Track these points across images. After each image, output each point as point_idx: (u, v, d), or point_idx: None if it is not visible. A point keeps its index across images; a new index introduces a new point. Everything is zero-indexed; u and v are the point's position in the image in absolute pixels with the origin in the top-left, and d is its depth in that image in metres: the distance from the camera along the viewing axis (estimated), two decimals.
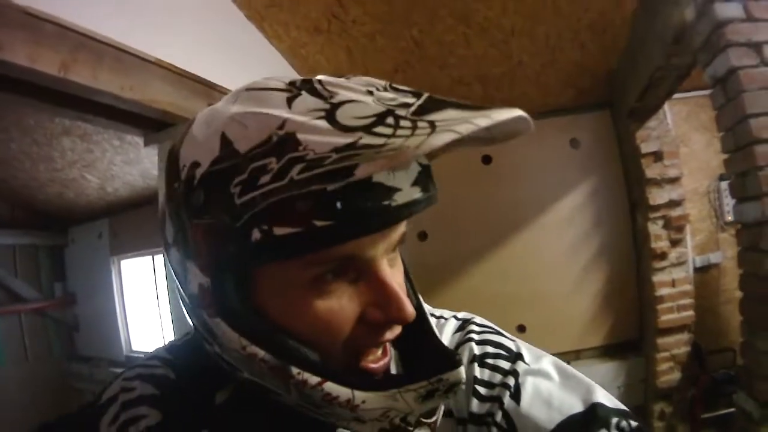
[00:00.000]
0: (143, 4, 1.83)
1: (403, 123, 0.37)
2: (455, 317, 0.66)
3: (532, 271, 3.45)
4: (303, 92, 0.42)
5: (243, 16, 2.53)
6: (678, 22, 2.04)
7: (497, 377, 0.56)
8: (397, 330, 0.48)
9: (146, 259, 4.98)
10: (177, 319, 1.93)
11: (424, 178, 0.44)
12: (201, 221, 0.42)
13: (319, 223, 0.37)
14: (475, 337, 0.61)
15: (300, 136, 0.38)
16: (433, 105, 0.39)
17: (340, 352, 0.45)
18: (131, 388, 0.54)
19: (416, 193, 0.42)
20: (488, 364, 0.58)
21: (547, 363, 0.57)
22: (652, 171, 3.09)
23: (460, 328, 0.63)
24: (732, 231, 3.32)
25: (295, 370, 0.42)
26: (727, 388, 2.81)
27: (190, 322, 0.50)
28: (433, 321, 0.58)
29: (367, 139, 0.36)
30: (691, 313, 3.14)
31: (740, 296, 1.93)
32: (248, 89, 0.45)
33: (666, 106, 3.13)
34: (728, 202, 3.40)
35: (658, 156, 3.10)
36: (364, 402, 0.43)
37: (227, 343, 0.43)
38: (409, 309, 0.44)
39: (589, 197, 3.49)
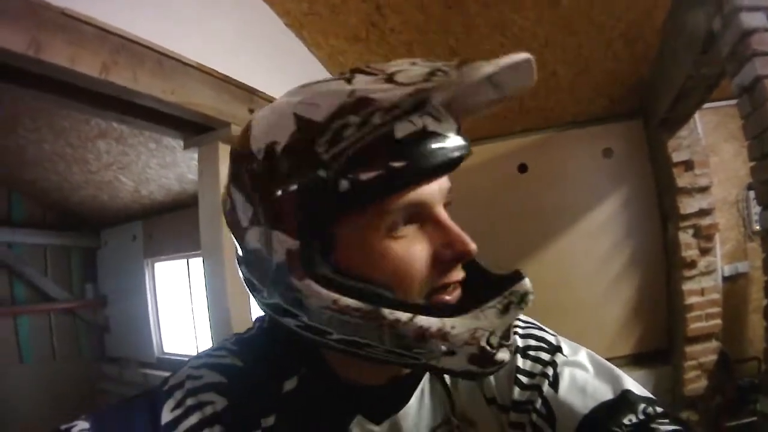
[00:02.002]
0: (182, 9, 1.86)
1: (450, 71, 0.44)
2: None
3: (564, 280, 3.45)
4: (356, 74, 0.48)
5: (283, 24, 2.57)
6: (706, 33, 2.05)
7: (538, 367, 0.61)
8: (460, 272, 0.53)
9: (181, 262, 4.99)
10: (215, 322, 1.95)
11: (461, 131, 0.51)
12: (287, 185, 0.47)
13: (396, 165, 0.45)
14: (519, 331, 0.66)
15: (372, 95, 0.44)
16: (465, 61, 0.45)
17: (419, 295, 0.50)
18: (198, 376, 0.56)
19: (461, 140, 0.50)
20: (530, 355, 0.63)
21: (584, 355, 0.62)
22: (683, 180, 3.09)
23: None
24: (760, 240, 3.31)
25: (386, 311, 0.46)
26: (752, 396, 2.82)
27: (265, 307, 0.55)
28: None
29: (427, 84, 0.44)
30: (718, 321, 3.13)
31: (766, 303, 1.93)
32: (304, 86, 0.51)
33: (696, 116, 3.12)
34: (756, 211, 3.39)
35: (688, 165, 3.10)
36: (453, 327, 0.47)
37: (317, 303, 0.47)
38: (473, 244, 0.50)
39: (621, 206, 3.50)
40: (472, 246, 0.50)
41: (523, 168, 3.63)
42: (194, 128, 2.01)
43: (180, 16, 1.85)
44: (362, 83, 0.46)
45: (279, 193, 0.47)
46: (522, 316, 0.70)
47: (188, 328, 4.90)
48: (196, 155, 2.11)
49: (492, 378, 0.61)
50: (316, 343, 0.52)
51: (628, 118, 3.51)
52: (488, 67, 0.43)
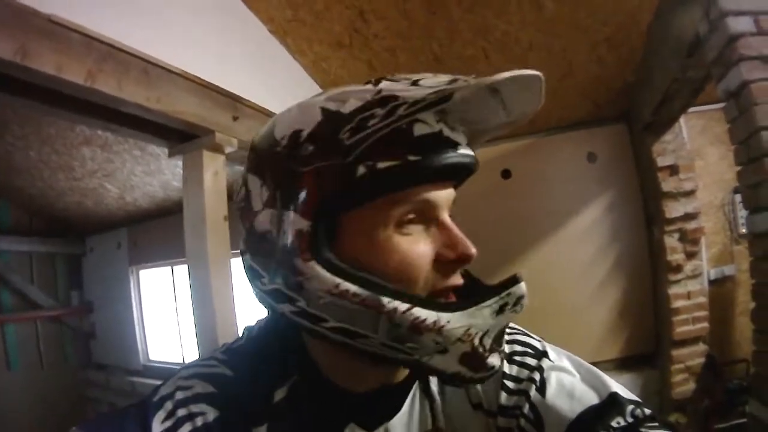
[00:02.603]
0: (167, 17, 1.87)
1: (470, 79, 0.47)
2: None
3: (549, 284, 3.44)
4: (382, 80, 0.51)
5: (267, 30, 2.56)
6: (692, 36, 2.06)
7: (524, 373, 0.62)
8: (459, 278, 0.54)
9: (165, 270, 4.98)
10: (201, 329, 1.94)
11: (471, 147, 0.55)
12: (310, 167, 0.49)
13: (412, 158, 0.48)
14: (505, 337, 0.64)
15: (398, 93, 0.47)
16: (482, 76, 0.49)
17: (421, 291, 0.51)
18: (188, 387, 0.56)
19: (471, 152, 0.53)
20: (516, 361, 0.64)
21: (569, 360, 0.64)
22: (668, 184, 3.10)
23: None
24: (746, 243, 3.33)
25: (386, 299, 0.47)
26: (741, 398, 2.82)
27: (264, 295, 0.55)
28: None
29: (450, 86, 0.46)
30: (705, 324, 3.14)
31: (754, 307, 1.93)
32: (330, 89, 0.54)
33: (681, 120, 3.13)
34: (742, 215, 3.40)
35: (673, 169, 3.11)
36: (449, 322, 0.48)
37: (318, 286, 0.48)
38: (474, 248, 0.52)
39: (606, 211, 3.51)
40: (473, 250, 0.51)
41: (506, 174, 3.64)
42: (179, 136, 2.02)
43: (165, 23, 1.85)
44: (388, 85, 0.49)
45: (299, 174, 0.49)
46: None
47: (174, 335, 4.88)
48: (180, 162, 2.10)
49: (478, 384, 0.61)
50: (310, 332, 0.52)
51: (613, 122, 3.52)
52: (505, 74, 0.45)
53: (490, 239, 3.43)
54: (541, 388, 0.59)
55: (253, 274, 0.56)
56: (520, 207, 3.59)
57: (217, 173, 2.03)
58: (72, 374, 5.35)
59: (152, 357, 5.11)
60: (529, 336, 0.68)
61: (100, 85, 1.49)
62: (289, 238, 0.49)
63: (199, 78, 1.91)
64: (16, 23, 1.26)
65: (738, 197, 3.39)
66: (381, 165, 0.47)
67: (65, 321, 5.35)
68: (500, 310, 0.50)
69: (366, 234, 0.50)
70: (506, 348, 0.64)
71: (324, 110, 0.50)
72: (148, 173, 3.78)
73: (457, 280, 0.54)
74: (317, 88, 2.89)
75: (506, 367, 0.62)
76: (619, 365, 3.40)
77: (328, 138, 0.48)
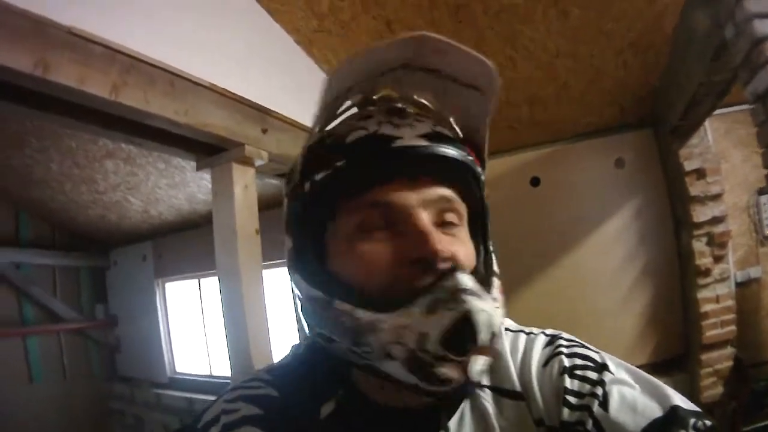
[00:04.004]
0: (192, 29, 1.86)
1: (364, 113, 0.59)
2: (544, 333, 0.70)
3: (579, 291, 3.46)
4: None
5: (292, 41, 2.56)
6: (717, 40, 2.04)
7: (586, 387, 0.60)
8: (429, 277, 0.49)
9: (192, 282, 4.99)
10: (233, 344, 1.95)
11: (438, 138, 0.54)
12: (288, 195, 0.58)
13: (338, 164, 0.51)
14: (564, 350, 0.64)
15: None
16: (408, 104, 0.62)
17: (384, 295, 0.49)
18: (234, 410, 0.56)
19: (419, 141, 0.52)
20: (577, 375, 0.61)
21: (628, 372, 0.62)
22: (695, 189, 3.09)
23: (549, 343, 0.67)
24: None
25: (337, 302, 0.50)
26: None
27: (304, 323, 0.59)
28: (523, 336, 0.68)
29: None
30: (733, 328, 3.13)
31: None
32: None
33: (706, 123, 3.13)
34: (767, 217, 3.40)
35: (700, 173, 3.10)
36: (381, 322, 0.48)
37: (304, 293, 0.54)
38: (435, 245, 0.48)
39: (634, 216, 3.50)
40: (434, 246, 0.48)
41: (535, 181, 3.64)
42: (206, 149, 2.00)
43: (189, 35, 1.84)
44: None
45: (285, 202, 0.58)
46: (564, 334, 0.69)
47: (200, 347, 4.89)
48: (205, 175, 2.10)
49: (539, 399, 0.60)
50: (337, 356, 0.54)
51: (639, 127, 3.50)
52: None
53: (521, 247, 3.47)
54: (604, 403, 0.57)
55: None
56: (550, 214, 3.59)
57: (247, 186, 2.02)
58: (96, 387, 5.36)
59: (179, 369, 5.12)
60: (587, 348, 0.66)
61: (125, 98, 1.47)
62: (285, 257, 0.57)
63: (227, 90, 1.90)
64: (34, 35, 1.25)
65: (763, 199, 3.38)
66: (317, 177, 0.52)
67: (90, 334, 5.37)
68: (432, 307, 0.47)
69: (336, 244, 0.53)
70: (567, 362, 0.63)
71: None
72: (173, 186, 3.79)
73: (426, 281, 0.50)
74: None
75: (567, 382, 0.61)
76: (649, 370, 3.23)
77: (296, 164, 0.56)
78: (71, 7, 1.36)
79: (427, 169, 0.54)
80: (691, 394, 3.17)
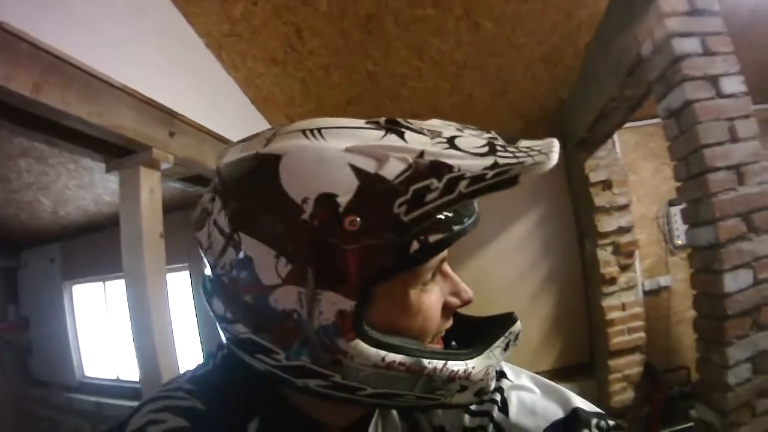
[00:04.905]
0: (107, 28, 1.81)
1: (510, 149, 0.46)
2: None
3: (481, 298, 3.42)
4: (403, 129, 0.48)
5: (203, 44, 2.52)
6: (633, 56, 2.11)
7: None
8: (451, 320, 0.57)
9: (98, 285, 4.91)
10: (140, 348, 1.93)
11: None
12: (356, 245, 0.43)
13: (456, 228, 0.47)
14: None
15: (447, 161, 0.44)
16: (508, 138, 0.48)
17: (427, 341, 0.53)
18: (161, 421, 0.53)
19: (477, 207, 0.53)
20: None
21: (527, 378, 0.66)
22: (600, 199, 3.18)
23: None
24: (682, 254, 3.44)
25: (426, 362, 0.48)
26: (683, 403, 2.91)
27: (273, 369, 0.50)
28: None
29: (502, 160, 0.44)
30: (642, 334, 3.24)
31: (693, 316, 1.99)
32: (328, 127, 0.49)
33: (615, 136, 3.22)
34: (678, 227, 3.51)
35: (606, 185, 3.20)
36: (474, 367, 0.50)
37: (362, 362, 0.46)
38: (471, 292, 0.55)
39: (538, 225, 3.60)
40: (472, 293, 0.55)
41: None
42: (116, 151, 1.96)
43: (105, 33, 1.79)
44: (422, 143, 0.46)
45: (344, 252, 0.44)
46: None
47: (108, 351, 4.81)
48: (112, 177, 2.06)
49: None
50: (336, 399, 0.49)
51: (544, 139, 3.55)
52: (554, 154, 0.44)
53: None
54: (504, 408, 0.61)
55: (254, 349, 0.50)
56: None
57: (153, 190, 1.99)
58: (11, 389, 5.18)
59: (87, 373, 5.01)
60: None
61: (45, 97, 1.42)
62: (329, 319, 0.45)
63: (139, 93, 1.86)
64: None
65: (674, 209, 3.50)
66: (432, 239, 0.45)
67: (3, 335, 5.20)
68: (506, 347, 0.53)
69: (398, 298, 0.48)
70: None
71: (359, 171, 0.44)
72: (82, 187, 3.67)
73: (450, 322, 0.56)
74: (250, 105, 2.87)
75: None
76: (555, 376, 3.45)
77: (379, 212, 0.44)
78: (3, 2, 1.32)
79: None
80: (600, 399, 3.27)
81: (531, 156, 0.44)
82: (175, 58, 2.29)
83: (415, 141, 0.46)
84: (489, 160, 0.44)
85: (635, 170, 3.60)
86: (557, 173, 3.58)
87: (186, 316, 3.61)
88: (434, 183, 0.43)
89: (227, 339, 0.53)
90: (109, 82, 1.70)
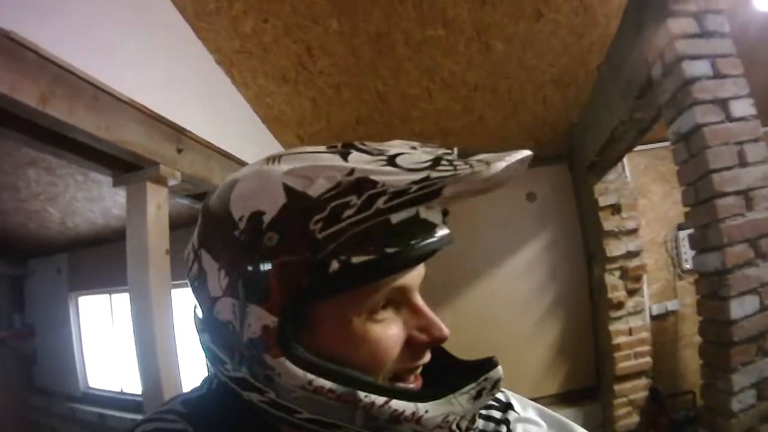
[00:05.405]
0: (118, 40, 1.81)
1: (456, 163, 0.43)
2: None
3: (489, 322, 3.49)
4: (352, 150, 0.47)
5: (213, 60, 2.53)
6: (644, 78, 2.09)
7: (491, 426, 0.61)
8: (428, 356, 0.52)
9: (104, 297, 4.93)
10: (143, 362, 1.93)
11: (446, 220, 0.51)
12: (274, 260, 0.44)
13: (389, 251, 0.44)
14: None
15: (374, 177, 0.43)
16: (465, 153, 0.46)
17: (385, 377, 0.49)
18: None
19: (446, 229, 0.49)
20: (482, 414, 0.62)
21: (534, 411, 0.64)
22: (609, 223, 3.16)
23: None
24: (690, 279, 3.40)
25: (362, 394, 0.45)
26: (688, 428, 2.89)
27: (227, 379, 0.51)
28: None
29: (436, 174, 0.43)
30: (648, 359, 3.20)
31: (699, 341, 1.95)
32: (288, 153, 0.50)
33: (625, 159, 3.20)
34: (686, 251, 3.49)
35: (615, 209, 3.17)
36: (427, 411, 0.46)
37: (290, 381, 0.45)
38: (447, 330, 0.50)
39: (546, 249, 3.58)
40: (446, 332, 0.50)
41: (444, 213, 3.62)
42: (123, 165, 1.96)
43: (114, 45, 1.79)
44: (360, 161, 0.45)
45: (264, 267, 0.45)
46: None
47: (112, 363, 4.82)
48: (120, 190, 2.07)
49: None
50: (279, 420, 0.49)
51: (553, 162, 3.58)
52: (498, 164, 0.42)
53: (428, 277, 3.44)
54: None
55: (213, 358, 0.52)
56: (459, 246, 3.53)
57: (160, 206, 2.00)
58: (15, 398, 5.21)
59: (91, 384, 5.04)
60: None
61: (51, 109, 1.42)
62: (256, 333, 0.46)
63: (147, 108, 1.86)
64: None
65: (682, 234, 3.48)
66: (355, 260, 0.43)
67: (9, 343, 5.23)
68: (478, 395, 0.49)
69: (339, 324, 0.47)
70: None
71: (288, 190, 0.45)
72: (90, 199, 3.71)
73: (426, 357, 0.52)
74: (259, 123, 2.87)
75: None
76: (560, 400, 3.44)
77: (296, 228, 0.44)
78: (11, 11, 1.32)
79: None
80: (604, 424, 3.23)
81: (471, 167, 0.42)
82: (184, 74, 2.29)
83: (354, 160, 0.45)
84: (420, 175, 0.43)
85: (645, 194, 3.57)
86: (566, 197, 3.59)
87: (190, 332, 3.59)
88: (353, 200, 0.43)
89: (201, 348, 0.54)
90: (116, 96, 1.70)
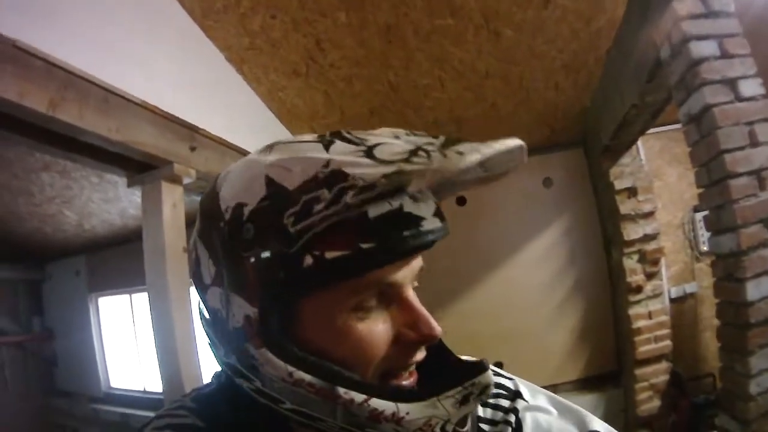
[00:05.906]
0: (126, 42, 1.81)
1: (433, 154, 0.42)
2: None
3: (508, 309, 3.49)
4: (336, 140, 0.46)
5: (223, 58, 2.53)
6: (652, 61, 2.07)
7: (499, 415, 0.60)
8: (423, 353, 0.51)
9: (124, 297, 4.95)
10: (163, 361, 1.94)
11: (440, 212, 0.49)
12: (251, 252, 0.45)
13: (364, 246, 0.43)
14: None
15: (347, 170, 0.42)
16: (452, 141, 0.44)
17: (375, 374, 0.48)
18: None
19: (438, 222, 0.48)
20: (490, 403, 0.61)
21: (544, 398, 0.63)
22: (626, 207, 3.14)
23: None
24: (708, 261, 3.37)
25: (341, 390, 0.44)
26: (708, 411, 2.85)
27: (222, 364, 0.53)
28: None
29: (408, 167, 0.42)
30: (668, 342, 3.18)
31: (717, 324, 1.93)
32: (280, 143, 0.50)
33: (639, 142, 3.17)
34: (703, 233, 3.46)
35: (632, 192, 3.15)
36: (408, 413, 0.45)
37: (272, 372, 0.45)
38: (438, 328, 0.49)
39: (564, 234, 3.57)
40: (438, 329, 0.49)
41: (461, 201, 3.68)
42: (137, 166, 1.97)
43: (122, 48, 1.79)
44: (339, 153, 0.44)
45: (242, 258, 0.46)
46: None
47: (134, 363, 4.86)
48: (137, 191, 2.08)
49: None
50: (268, 409, 0.49)
51: (569, 147, 3.57)
52: (473, 155, 0.42)
53: (448, 265, 3.45)
54: (518, 429, 0.58)
55: (210, 342, 0.53)
56: (477, 233, 3.63)
57: (175, 205, 2.00)
58: (36, 400, 5.27)
59: (113, 384, 5.08)
60: (500, 375, 0.65)
61: (61, 113, 1.43)
62: (239, 322, 0.47)
63: (158, 108, 1.87)
64: None
65: (698, 216, 3.45)
66: (329, 255, 0.43)
67: (28, 347, 5.29)
68: (464, 400, 0.47)
69: (322, 319, 0.47)
70: None
71: (269, 182, 0.45)
72: (106, 201, 3.73)
73: (420, 355, 0.51)
74: (273, 118, 2.87)
75: (480, 411, 0.61)
76: (581, 386, 3.43)
77: (270, 220, 0.44)
78: (15, 19, 1.32)
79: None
80: (627, 408, 3.22)
81: (447, 157, 0.42)
82: (195, 73, 2.29)
83: (334, 151, 0.45)
84: (392, 168, 0.42)
85: (660, 176, 3.55)
86: (582, 181, 3.57)
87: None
88: (324, 193, 0.42)
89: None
90: (127, 98, 1.71)
